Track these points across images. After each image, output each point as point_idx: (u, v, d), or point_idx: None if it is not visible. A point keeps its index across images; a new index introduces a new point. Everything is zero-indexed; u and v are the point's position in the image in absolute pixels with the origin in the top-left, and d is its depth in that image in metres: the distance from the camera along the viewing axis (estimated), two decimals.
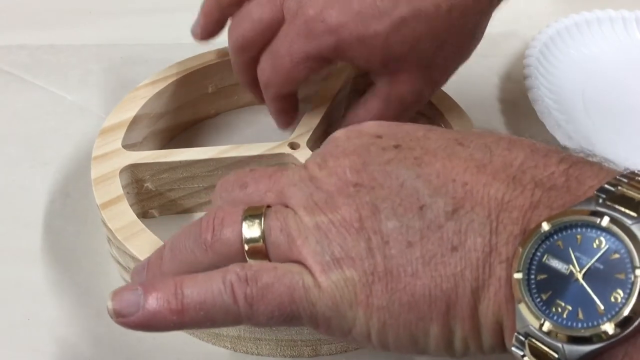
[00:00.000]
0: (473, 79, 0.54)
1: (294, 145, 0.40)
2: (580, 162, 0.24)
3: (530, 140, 0.26)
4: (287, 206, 0.26)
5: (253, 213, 0.26)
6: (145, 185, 0.39)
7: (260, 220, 0.26)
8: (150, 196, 0.40)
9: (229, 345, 0.34)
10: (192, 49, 0.46)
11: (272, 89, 0.39)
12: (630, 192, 0.22)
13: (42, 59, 0.53)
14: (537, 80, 0.50)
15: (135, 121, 0.41)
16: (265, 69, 0.39)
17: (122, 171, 0.37)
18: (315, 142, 0.41)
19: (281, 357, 0.33)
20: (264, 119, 0.49)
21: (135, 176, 0.38)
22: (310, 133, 0.41)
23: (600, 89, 0.53)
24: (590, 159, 0.25)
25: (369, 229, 0.24)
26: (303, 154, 0.39)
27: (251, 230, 0.26)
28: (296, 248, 0.25)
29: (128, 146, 0.39)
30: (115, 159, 0.38)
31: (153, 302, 0.25)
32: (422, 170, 0.25)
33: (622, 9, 0.57)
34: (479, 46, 0.58)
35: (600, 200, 0.22)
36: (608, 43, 0.56)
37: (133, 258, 0.33)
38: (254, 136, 0.46)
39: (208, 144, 0.45)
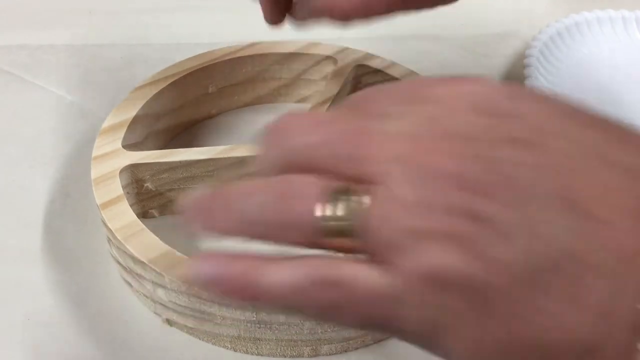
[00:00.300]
0: None
1: None
2: None
3: None
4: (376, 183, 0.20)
5: (341, 190, 0.21)
6: (146, 185, 0.39)
7: (349, 200, 0.21)
8: (150, 196, 0.40)
9: (229, 345, 0.34)
10: (192, 49, 0.46)
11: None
12: None
13: (42, 59, 0.53)
14: (537, 80, 0.50)
15: (135, 121, 0.41)
16: None
17: (122, 171, 0.37)
18: None
19: (281, 357, 0.33)
20: (264, 119, 0.49)
21: (135, 176, 0.38)
22: None
23: (600, 89, 0.53)
24: None
25: None
26: None
27: (338, 210, 0.21)
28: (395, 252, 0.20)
29: (128, 146, 0.39)
30: (115, 159, 0.38)
31: (225, 286, 0.22)
32: (580, 229, 0.18)
33: (623, 9, 0.57)
34: (479, 46, 0.58)
35: None
36: (608, 43, 0.56)
37: (133, 258, 0.33)
38: (254, 136, 0.46)
39: (208, 144, 0.45)
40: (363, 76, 0.47)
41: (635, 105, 0.52)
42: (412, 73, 0.46)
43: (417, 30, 0.59)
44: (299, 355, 0.33)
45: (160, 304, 0.34)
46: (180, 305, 0.33)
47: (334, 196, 0.21)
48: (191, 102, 0.46)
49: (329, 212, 0.21)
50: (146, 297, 0.35)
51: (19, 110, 0.48)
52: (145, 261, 0.32)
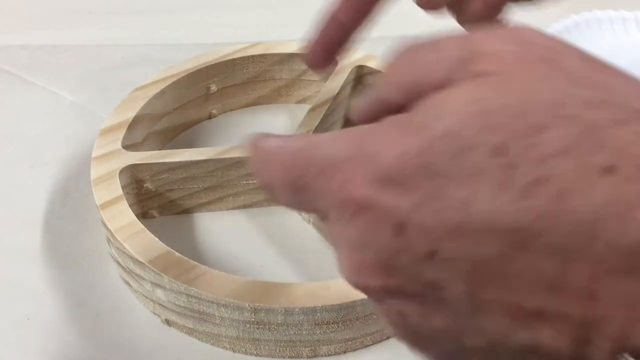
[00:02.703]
0: None
1: None
2: None
3: None
4: None
5: None
6: (145, 185, 0.39)
7: None
8: (150, 196, 0.40)
9: (228, 346, 0.34)
10: (192, 49, 0.46)
11: None
12: None
13: (43, 59, 0.53)
14: None
15: (135, 121, 0.41)
16: None
17: (122, 171, 0.37)
18: None
19: (280, 358, 0.34)
20: (264, 119, 0.49)
21: (135, 176, 0.38)
22: (311, 134, 0.41)
23: None
24: None
25: None
26: None
27: None
28: None
29: (128, 146, 0.39)
30: (115, 159, 0.38)
31: None
32: None
33: (622, 10, 0.57)
34: None
35: None
36: (608, 44, 0.56)
37: (132, 258, 0.33)
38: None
39: (208, 145, 0.45)
40: (363, 76, 0.47)
41: None
42: None
43: (417, 30, 0.59)
44: (298, 356, 0.33)
45: (159, 304, 0.34)
46: (179, 306, 0.33)
47: None
48: (191, 102, 0.46)
49: None
50: (145, 297, 0.35)
51: (20, 111, 0.48)
52: (144, 261, 0.32)
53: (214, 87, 0.47)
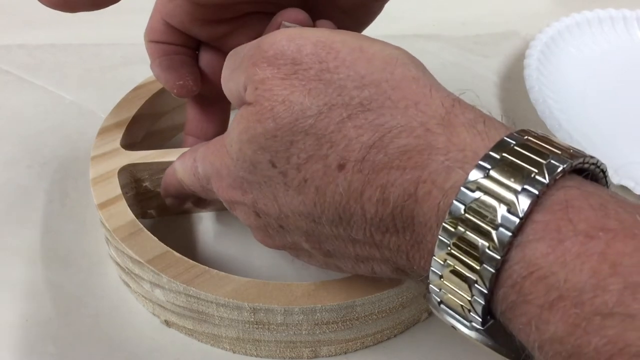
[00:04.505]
0: (473, 79, 0.54)
1: None
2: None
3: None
4: None
5: None
6: (144, 185, 0.39)
7: None
8: (149, 196, 0.39)
9: (228, 347, 0.33)
10: None
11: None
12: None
13: (42, 58, 0.53)
14: (538, 80, 0.50)
15: (134, 121, 0.41)
16: None
17: (120, 171, 0.37)
18: None
19: (280, 359, 0.33)
20: None
21: (134, 176, 0.38)
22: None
23: (601, 89, 0.53)
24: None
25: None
26: None
27: None
28: None
29: (127, 146, 0.39)
30: (114, 158, 0.38)
31: None
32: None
33: (623, 8, 0.57)
34: (479, 45, 0.58)
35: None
36: (609, 42, 0.56)
37: (131, 258, 0.33)
38: None
39: None
40: None
41: (635, 105, 0.52)
42: None
43: (417, 30, 0.59)
44: (299, 357, 0.33)
45: (159, 304, 0.34)
46: (178, 306, 0.33)
47: None
48: None
49: None
50: (144, 298, 0.35)
51: (18, 110, 0.48)
52: (143, 261, 0.32)
53: None
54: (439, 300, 0.24)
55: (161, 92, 0.43)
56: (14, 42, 0.54)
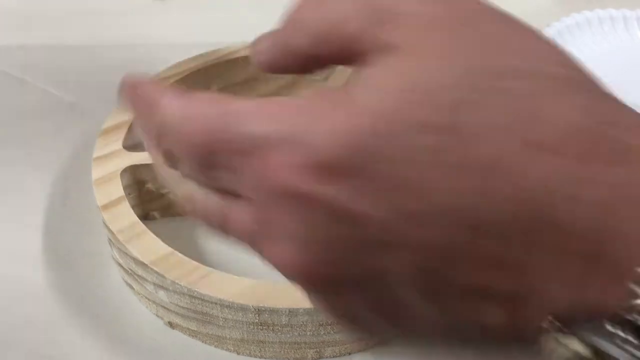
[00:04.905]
0: None
1: None
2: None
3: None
4: None
5: None
6: (147, 186, 0.39)
7: None
8: (152, 198, 0.39)
9: (232, 348, 0.33)
10: (192, 50, 0.46)
11: None
12: None
13: (41, 59, 0.53)
14: None
15: None
16: None
17: (123, 172, 0.37)
18: None
19: None
20: None
21: (136, 177, 0.38)
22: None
23: None
24: None
25: None
26: None
27: None
28: None
29: (129, 147, 0.39)
30: (116, 159, 0.38)
31: None
32: None
33: (624, 8, 0.57)
34: None
35: None
36: (609, 42, 0.56)
37: (135, 260, 0.33)
38: None
39: None
40: None
41: (636, 105, 0.52)
42: None
43: None
44: (303, 358, 0.33)
45: (162, 306, 0.34)
46: (182, 307, 0.33)
47: None
48: None
49: None
50: (148, 299, 0.34)
51: (19, 112, 0.48)
52: (146, 263, 0.32)
53: (214, 87, 0.46)
54: None
55: None
56: (13, 43, 0.54)
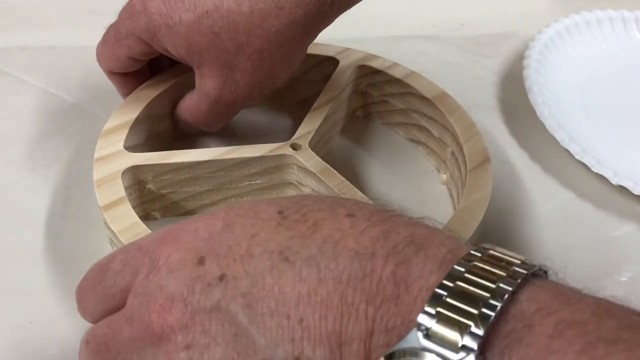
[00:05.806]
0: (473, 79, 0.54)
1: (295, 146, 0.40)
2: (405, 256, 0.23)
3: (358, 224, 0.24)
4: None
5: None
6: (148, 186, 0.39)
7: None
8: (153, 198, 0.40)
9: None
10: None
11: (102, 63, 0.43)
12: (456, 303, 0.21)
13: (43, 60, 0.53)
14: (537, 81, 0.50)
15: (137, 123, 0.41)
16: (98, 44, 0.43)
17: (124, 173, 0.37)
18: (317, 143, 0.42)
19: None
20: (265, 120, 0.49)
21: (137, 178, 0.38)
22: (312, 134, 0.41)
23: (600, 89, 0.53)
24: (425, 232, 0.24)
25: None
26: (305, 155, 0.39)
27: None
28: None
29: (130, 148, 0.39)
30: (117, 160, 0.38)
31: None
32: (253, 312, 0.23)
33: (622, 9, 0.58)
34: (479, 46, 0.58)
35: (423, 334, 0.21)
36: (608, 43, 0.57)
37: None
38: (255, 137, 0.46)
39: (210, 145, 0.45)
40: (364, 77, 0.47)
41: (635, 105, 0.52)
42: (412, 73, 0.46)
43: (417, 31, 0.59)
44: None
45: None
46: None
47: None
48: None
49: None
50: None
51: (20, 112, 0.48)
52: None
53: None
54: None
55: (164, 94, 0.43)
56: (14, 44, 0.54)
